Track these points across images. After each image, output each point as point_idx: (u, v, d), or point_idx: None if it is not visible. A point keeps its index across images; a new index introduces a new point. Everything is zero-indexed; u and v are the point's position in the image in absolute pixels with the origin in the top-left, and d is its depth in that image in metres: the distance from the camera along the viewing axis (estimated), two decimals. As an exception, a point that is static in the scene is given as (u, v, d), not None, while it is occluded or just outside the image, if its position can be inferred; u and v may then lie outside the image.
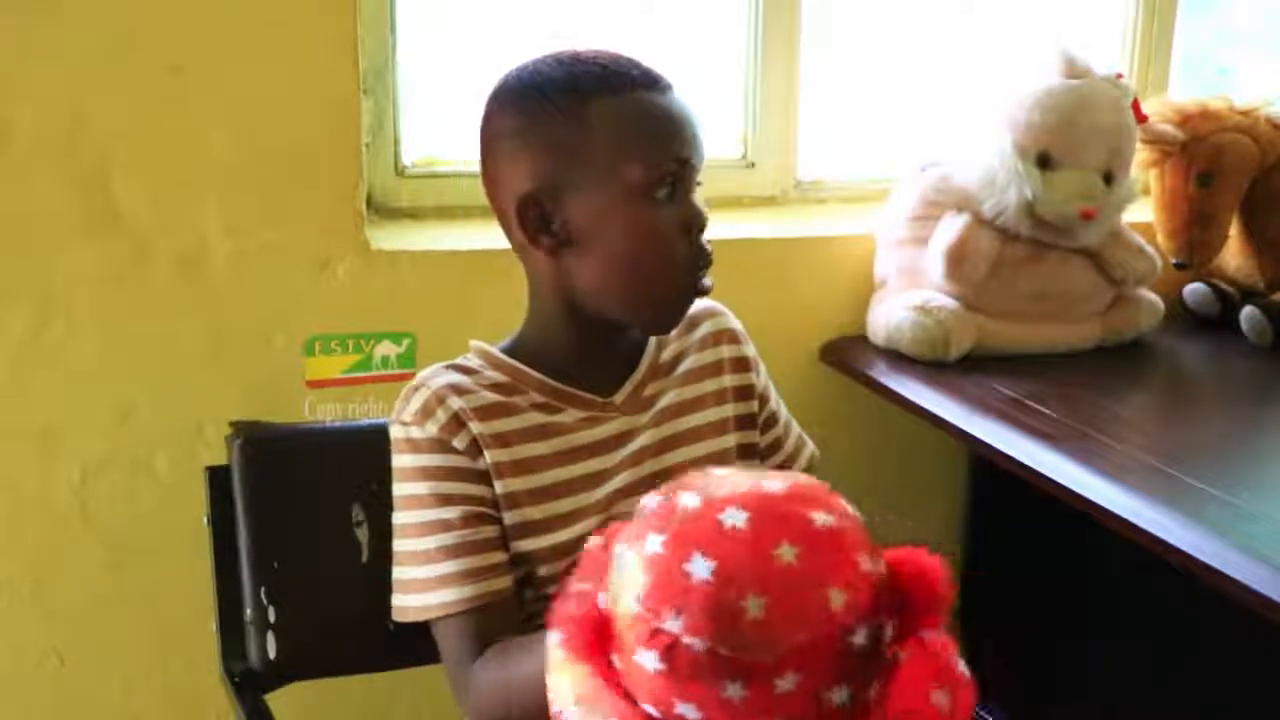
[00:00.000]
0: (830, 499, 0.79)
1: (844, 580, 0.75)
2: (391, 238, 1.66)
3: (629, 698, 0.77)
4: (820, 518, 0.76)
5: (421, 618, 1.11)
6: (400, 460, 1.13)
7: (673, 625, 0.74)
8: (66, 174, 1.49)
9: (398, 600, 1.13)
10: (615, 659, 0.78)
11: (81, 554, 1.58)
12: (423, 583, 1.11)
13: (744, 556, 0.75)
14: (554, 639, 0.81)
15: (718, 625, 0.73)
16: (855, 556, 0.76)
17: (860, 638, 0.74)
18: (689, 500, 0.78)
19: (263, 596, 1.23)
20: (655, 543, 0.77)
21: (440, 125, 1.77)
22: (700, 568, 0.74)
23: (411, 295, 1.62)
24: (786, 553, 0.74)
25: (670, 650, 0.74)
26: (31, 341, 1.51)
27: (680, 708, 0.75)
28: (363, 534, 1.25)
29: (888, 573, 0.77)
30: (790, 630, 0.73)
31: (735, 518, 0.76)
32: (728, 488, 0.78)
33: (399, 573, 1.13)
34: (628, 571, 0.77)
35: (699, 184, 1.12)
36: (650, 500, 0.80)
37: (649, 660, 0.75)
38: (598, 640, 0.79)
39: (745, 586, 0.73)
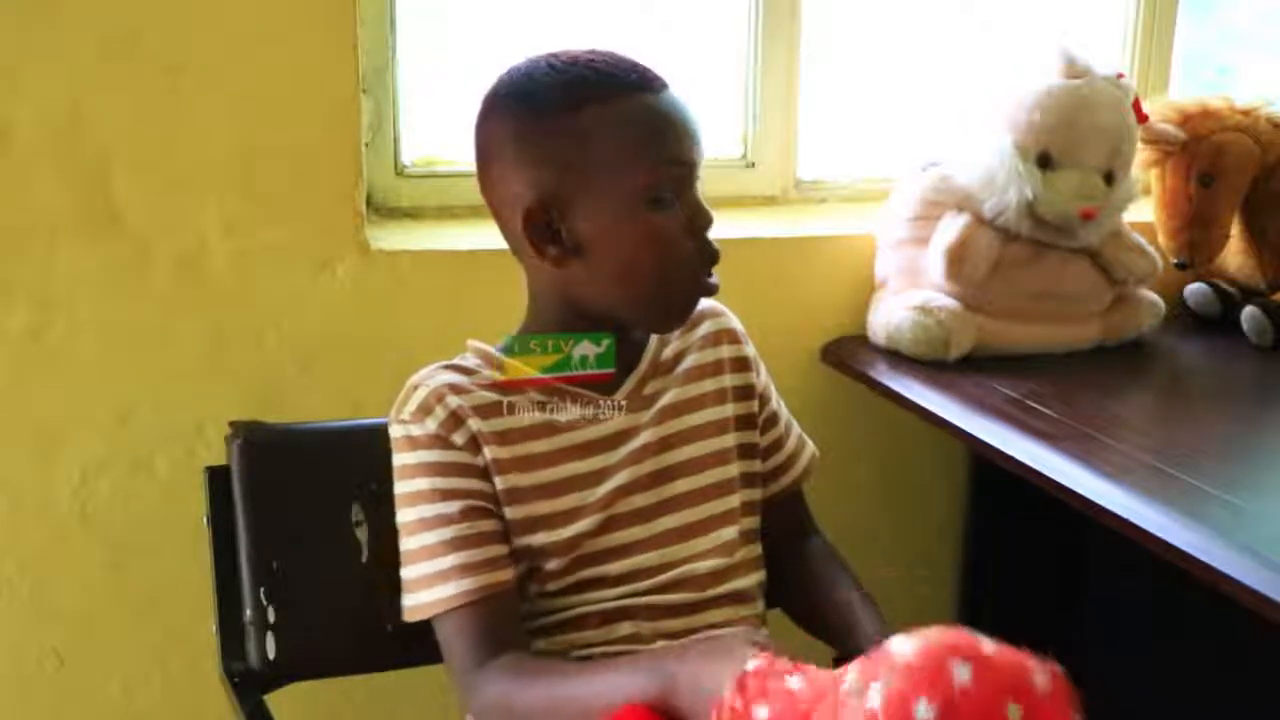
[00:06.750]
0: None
1: None
2: (391, 238, 1.66)
3: None
4: (1042, 679, 0.83)
5: (429, 614, 1.11)
6: (400, 458, 1.13)
7: None
8: (66, 174, 1.49)
9: (407, 600, 1.13)
10: None
11: (81, 554, 1.58)
12: (427, 579, 1.11)
13: None
14: None
15: None
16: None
17: None
18: (963, 674, 0.81)
19: (262, 597, 1.23)
20: (927, 713, 0.80)
21: (440, 125, 1.77)
22: None
23: (411, 295, 1.62)
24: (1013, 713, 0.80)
25: None
26: (31, 341, 1.51)
27: None
28: (362, 534, 1.25)
29: None
30: None
31: (1013, 714, 0.80)
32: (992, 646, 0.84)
33: (406, 571, 1.13)
34: None
35: (699, 178, 1.12)
36: (906, 646, 0.83)
37: None
38: None
39: None
